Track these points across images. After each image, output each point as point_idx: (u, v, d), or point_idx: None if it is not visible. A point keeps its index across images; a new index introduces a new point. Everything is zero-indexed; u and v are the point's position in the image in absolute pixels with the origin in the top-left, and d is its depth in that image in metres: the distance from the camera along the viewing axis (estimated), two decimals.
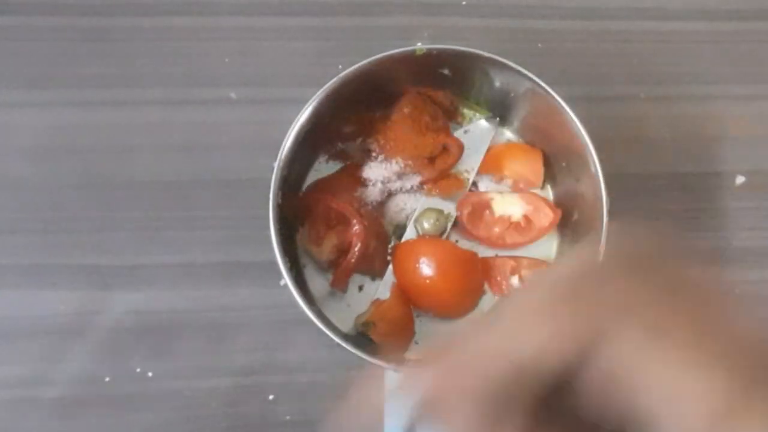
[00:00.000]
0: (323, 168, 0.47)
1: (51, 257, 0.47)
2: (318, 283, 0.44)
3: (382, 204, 0.46)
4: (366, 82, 0.42)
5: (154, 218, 0.48)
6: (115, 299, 0.47)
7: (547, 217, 0.45)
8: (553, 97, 0.41)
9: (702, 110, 0.54)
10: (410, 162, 0.44)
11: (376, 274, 0.45)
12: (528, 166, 0.47)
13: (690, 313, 0.22)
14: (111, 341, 0.47)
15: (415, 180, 0.45)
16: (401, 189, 0.46)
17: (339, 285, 0.44)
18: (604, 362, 0.21)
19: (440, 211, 0.45)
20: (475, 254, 0.44)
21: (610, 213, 0.39)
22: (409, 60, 0.42)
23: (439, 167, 0.45)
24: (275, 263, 0.38)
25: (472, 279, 0.44)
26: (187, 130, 0.50)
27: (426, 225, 0.44)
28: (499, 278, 0.45)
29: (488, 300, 0.45)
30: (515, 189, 0.47)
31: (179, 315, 0.47)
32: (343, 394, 0.24)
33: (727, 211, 0.52)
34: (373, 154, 0.45)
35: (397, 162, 0.45)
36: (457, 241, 0.46)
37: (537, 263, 0.45)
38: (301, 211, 0.44)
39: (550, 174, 0.47)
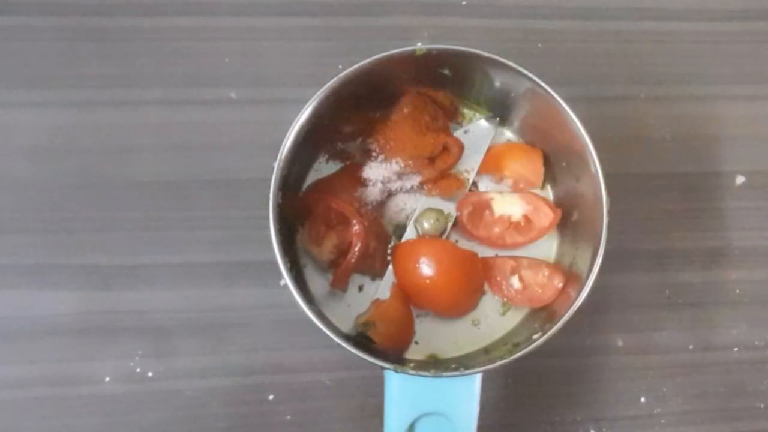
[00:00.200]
0: (323, 168, 0.47)
1: (51, 257, 0.47)
2: (318, 283, 0.44)
3: (382, 204, 0.46)
4: (366, 82, 0.42)
5: (154, 218, 0.49)
6: (115, 299, 0.47)
7: (547, 217, 0.45)
8: (553, 97, 0.41)
9: (702, 110, 0.54)
10: (410, 162, 0.44)
11: (376, 274, 0.45)
12: (528, 166, 0.47)
13: None
14: (111, 341, 0.47)
15: (415, 180, 0.45)
16: (401, 189, 0.46)
17: (339, 285, 0.44)
18: None
19: (440, 211, 0.45)
20: (475, 254, 0.44)
21: (610, 213, 0.39)
22: (409, 60, 0.42)
23: (439, 167, 0.45)
24: (275, 263, 0.38)
25: (472, 279, 0.44)
26: (187, 130, 0.50)
27: (426, 225, 0.44)
28: (499, 278, 0.45)
29: (488, 300, 0.45)
30: (515, 189, 0.47)
31: (179, 315, 0.47)
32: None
33: (727, 211, 0.52)
34: (373, 154, 0.45)
35: (397, 162, 0.44)
36: (457, 241, 0.46)
37: (537, 263, 0.45)
38: (301, 211, 0.44)
39: (550, 174, 0.47)
